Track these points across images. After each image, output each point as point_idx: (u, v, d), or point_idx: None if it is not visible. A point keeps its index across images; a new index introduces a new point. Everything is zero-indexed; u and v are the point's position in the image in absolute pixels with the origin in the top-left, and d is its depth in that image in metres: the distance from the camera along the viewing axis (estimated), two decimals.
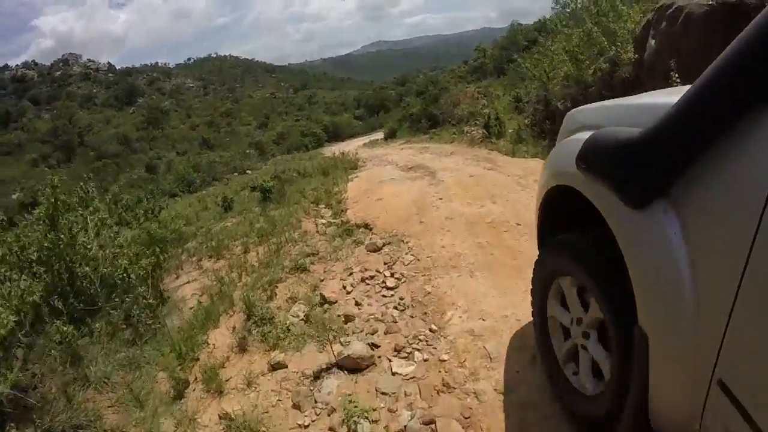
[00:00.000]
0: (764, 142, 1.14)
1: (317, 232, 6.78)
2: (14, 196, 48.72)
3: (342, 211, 7.70)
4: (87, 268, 5.06)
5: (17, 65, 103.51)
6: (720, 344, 1.23)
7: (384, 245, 5.47)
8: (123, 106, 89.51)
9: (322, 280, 4.98)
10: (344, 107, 70.95)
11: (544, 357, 2.57)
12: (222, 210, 11.33)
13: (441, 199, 6.99)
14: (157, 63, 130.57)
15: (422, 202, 6.93)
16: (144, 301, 5.11)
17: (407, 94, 37.43)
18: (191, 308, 5.51)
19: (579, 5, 12.28)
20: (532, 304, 2.64)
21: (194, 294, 5.96)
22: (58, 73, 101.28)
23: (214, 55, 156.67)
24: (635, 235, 1.59)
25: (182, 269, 7.24)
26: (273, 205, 10.13)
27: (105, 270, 5.29)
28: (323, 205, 8.78)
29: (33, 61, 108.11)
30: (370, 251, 5.39)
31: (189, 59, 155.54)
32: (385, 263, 5.00)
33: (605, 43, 10.02)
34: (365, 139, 33.18)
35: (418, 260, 4.88)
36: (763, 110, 1.14)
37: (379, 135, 30.81)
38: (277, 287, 4.96)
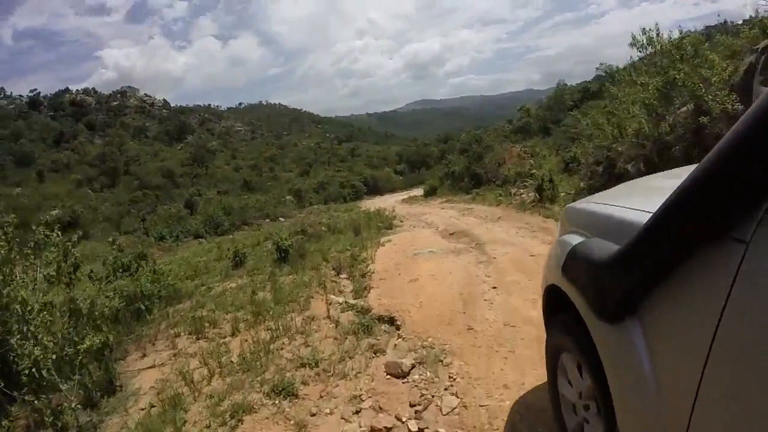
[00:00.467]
0: (714, 279, 1.16)
1: (328, 317, 5.08)
2: (53, 212, 49.25)
3: (365, 288, 6.09)
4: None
5: (77, 90, 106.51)
6: None
7: (413, 367, 3.67)
8: (173, 142, 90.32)
9: (313, 415, 3.23)
10: (386, 161, 70.29)
11: (558, 428, 2.46)
12: (231, 265, 9.74)
13: (495, 288, 5.28)
14: (209, 105, 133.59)
15: (470, 292, 5.21)
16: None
17: (450, 151, 36.07)
18: (142, 409, 3.94)
19: (659, 47, 10.20)
20: (548, 381, 2.57)
21: (153, 388, 4.36)
22: (115, 102, 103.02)
23: (265, 103, 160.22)
24: (608, 344, 1.65)
25: (154, 344, 5.61)
26: (288, 267, 8.51)
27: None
28: (345, 275, 7.15)
29: (93, 88, 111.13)
30: (391, 374, 3.60)
31: (240, 104, 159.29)
32: (411, 404, 3.18)
33: (700, 90, 8.11)
34: (404, 195, 31.84)
35: (465, 408, 3.05)
36: (711, 250, 1.17)
37: (419, 191, 29.64)
38: (242, 421, 3.24)
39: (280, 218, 25.17)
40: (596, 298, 1.68)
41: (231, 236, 18.47)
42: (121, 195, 57.61)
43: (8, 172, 64.88)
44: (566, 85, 36.32)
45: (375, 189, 44.36)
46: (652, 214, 1.36)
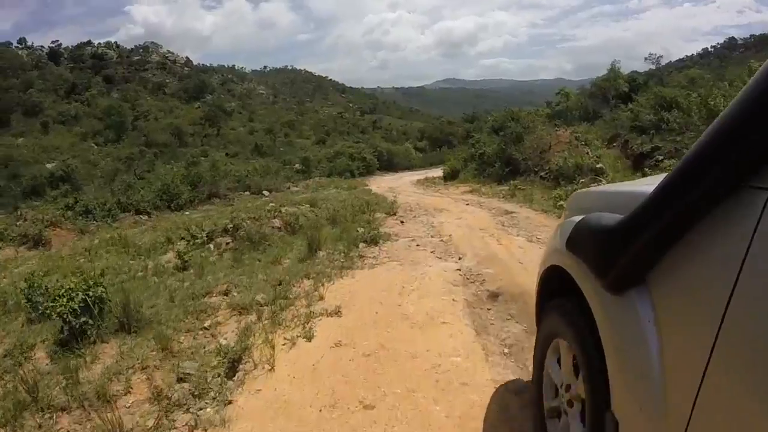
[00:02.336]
0: (732, 234, 1.13)
1: None
2: (49, 165, 46.03)
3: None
4: None
5: (99, 43, 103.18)
6: None
7: None
8: (190, 100, 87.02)
9: None
10: (406, 136, 65.45)
11: (534, 408, 2.50)
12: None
13: None
14: (233, 66, 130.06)
15: None
16: None
17: (477, 131, 31.02)
18: None
19: None
20: (534, 358, 2.53)
21: None
22: (137, 57, 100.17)
23: (290, 68, 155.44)
24: (611, 318, 1.59)
25: None
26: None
27: None
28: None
29: (115, 42, 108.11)
30: None
31: (265, 67, 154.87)
32: None
33: None
34: (421, 175, 26.96)
35: None
36: (729, 203, 1.15)
37: (437, 172, 24.94)
38: None
39: (264, 192, 20.52)
40: (602, 266, 1.58)
41: (188, 213, 13.99)
42: (123, 151, 53.72)
43: (14, 122, 61.80)
44: (619, 69, 30.64)
45: (390, 165, 39.54)
46: (664, 178, 1.32)
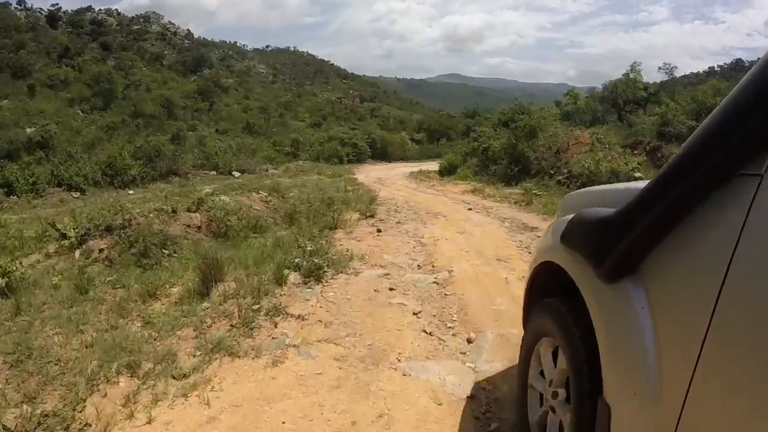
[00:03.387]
0: (724, 222, 1.15)
1: None
2: (28, 130, 43.42)
3: None
4: None
5: (100, 9, 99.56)
6: (678, 420, 1.21)
7: None
8: (187, 73, 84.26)
9: None
10: (403, 125, 62.93)
11: (519, 419, 2.38)
12: None
13: None
14: (235, 42, 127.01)
15: None
16: None
17: (478, 125, 28.45)
18: None
19: None
20: (519, 368, 2.44)
21: None
22: (137, 27, 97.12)
23: (292, 49, 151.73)
24: (605, 307, 1.59)
25: None
26: None
27: None
28: None
29: (116, 9, 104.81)
30: None
31: (267, 46, 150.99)
32: None
33: None
34: (415, 167, 24.32)
35: None
36: (720, 191, 1.17)
37: (433, 165, 22.43)
38: None
39: (234, 173, 17.74)
40: (597, 256, 1.58)
41: (131, 193, 11.24)
42: (108, 119, 50.27)
43: (0, 83, 58.26)
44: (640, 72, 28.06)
45: (383, 154, 36.80)
46: (661, 169, 1.36)
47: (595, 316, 1.61)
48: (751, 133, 1.09)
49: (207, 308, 3.61)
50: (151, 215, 5.43)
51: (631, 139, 15.56)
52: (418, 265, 5.00)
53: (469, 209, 8.70)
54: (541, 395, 2.14)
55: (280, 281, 4.17)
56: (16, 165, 20.98)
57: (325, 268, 4.46)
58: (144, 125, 48.06)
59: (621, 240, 1.44)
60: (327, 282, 4.36)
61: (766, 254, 1.02)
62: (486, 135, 17.93)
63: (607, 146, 13.12)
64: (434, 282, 4.50)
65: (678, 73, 40.45)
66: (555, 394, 1.94)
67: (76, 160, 15.46)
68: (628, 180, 9.93)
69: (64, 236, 5.45)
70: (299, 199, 7.82)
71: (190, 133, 46.51)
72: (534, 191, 10.29)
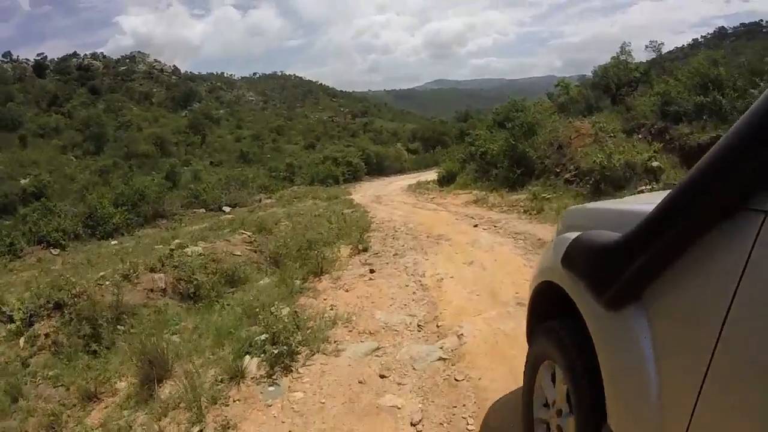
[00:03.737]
0: (729, 254, 1.13)
1: None
2: (23, 181, 43.16)
3: None
4: None
5: (85, 54, 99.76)
6: None
7: None
8: (177, 109, 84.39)
9: None
10: (396, 137, 62.41)
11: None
12: None
13: None
14: (222, 73, 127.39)
15: None
16: None
17: (472, 128, 27.71)
18: None
19: None
20: (523, 392, 2.41)
21: None
22: (123, 68, 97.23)
23: (279, 73, 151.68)
24: (608, 334, 1.57)
25: None
26: None
27: None
28: None
29: (101, 53, 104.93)
30: None
31: (254, 74, 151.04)
32: None
33: None
34: (413, 179, 23.67)
35: None
36: (727, 224, 1.16)
37: (431, 175, 21.99)
38: None
39: (225, 208, 16.93)
40: (599, 283, 1.56)
41: (115, 243, 10.41)
42: (101, 163, 49.92)
43: None
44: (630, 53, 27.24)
45: (380, 168, 35.92)
46: (665, 197, 1.34)
47: (597, 343, 1.59)
48: (757, 168, 1.07)
49: (144, 426, 2.74)
50: (107, 284, 4.62)
51: (632, 123, 14.79)
52: (419, 325, 4.05)
53: (475, 226, 7.80)
54: (544, 420, 2.10)
55: (237, 375, 3.24)
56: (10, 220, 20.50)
57: (297, 348, 3.53)
58: (137, 165, 47.76)
59: (623, 269, 1.42)
60: (298, 372, 3.40)
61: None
62: (482, 138, 17.08)
63: (612, 135, 12.35)
64: (440, 358, 3.48)
65: (663, 50, 39.73)
66: (560, 412, 1.91)
67: (57, 213, 14.72)
68: (646, 171, 9.18)
69: (11, 319, 4.65)
70: (287, 235, 6.99)
71: (185, 168, 46.25)
72: (543, 195, 9.45)
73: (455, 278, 5.14)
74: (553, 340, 1.99)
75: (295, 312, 3.89)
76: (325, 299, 4.58)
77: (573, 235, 1.90)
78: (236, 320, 3.86)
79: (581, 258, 1.72)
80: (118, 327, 4.02)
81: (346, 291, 4.95)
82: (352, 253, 6.40)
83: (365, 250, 6.60)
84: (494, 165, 14.52)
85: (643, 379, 1.33)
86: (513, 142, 13.25)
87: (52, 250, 12.78)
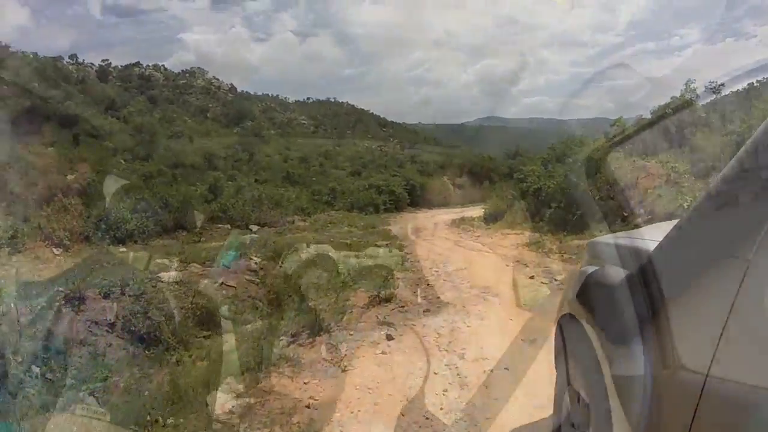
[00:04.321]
0: (716, 297, 1.17)
1: None
2: (68, 177, 44.48)
3: None
4: None
5: (148, 65, 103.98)
6: None
7: None
8: (230, 125, 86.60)
9: None
10: (443, 170, 61.65)
11: None
12: None
13: None
14: (277, 95, 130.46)
15: None
16: None
17: (522, 165, 26.44)
18: None
19: None
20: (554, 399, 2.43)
21: None
22: (183, 81, 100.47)
23: (332, 100, 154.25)
24: (615, 367, 1.58)
25: None
26: None
27: None
28: None
29: (163, 65, 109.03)
30: None
31: (308, 98, 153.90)
32: None
33: None
34: (457, 213, 22.41)
35: None
36: (712, 274, 1.19)
37: (477, 210, 20.81)
38: None
39: (252, 226, 15.98)
40: (605, 319, 1.67)
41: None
42: (148, 168, 50.80)
43: (46, 133, 60.49)
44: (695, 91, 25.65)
45: (423, 200, 35.14)
46: (659, 241, 1.44)
47: (606, 376, 1.62)
48: (739, 219, 1.16)
49: None
50: (35, 304, 3.49)
51: (699, 165, 13.23)
52: None
53: (531, 277, 6.29)
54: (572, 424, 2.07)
55: None
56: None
57: None
58: (183, 175, 48.30)
59: (625, 307, 1.48)
60: None
61: (752, 337, 1.06)
62: (536, 173, 15.69)
63: (684, 176, 10.94)
64: None
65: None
66: None
67: (70, 211, 14.12)
68: None
69: None
70: (300, 266, 5.77)
71: (230, 183, 46.52)
72: None
73: (511, 370, 3.46)
74: (574, 363, 2.01)
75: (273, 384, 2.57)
76: (305, 383, 3.13)
77: (591, 269, 2.01)
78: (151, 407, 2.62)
79: (591, 294, 1.86)
80: (32, 373, 2.87)
81: (343, 371, 3.59)
82: (369, 303, 5.02)
83: (388, 300, 5.21)
84: (548, 204, 13.11)
85: (644, 411, 1.33)
86: (574, 180, 11.83)
87: (54, 249, 12.18)
